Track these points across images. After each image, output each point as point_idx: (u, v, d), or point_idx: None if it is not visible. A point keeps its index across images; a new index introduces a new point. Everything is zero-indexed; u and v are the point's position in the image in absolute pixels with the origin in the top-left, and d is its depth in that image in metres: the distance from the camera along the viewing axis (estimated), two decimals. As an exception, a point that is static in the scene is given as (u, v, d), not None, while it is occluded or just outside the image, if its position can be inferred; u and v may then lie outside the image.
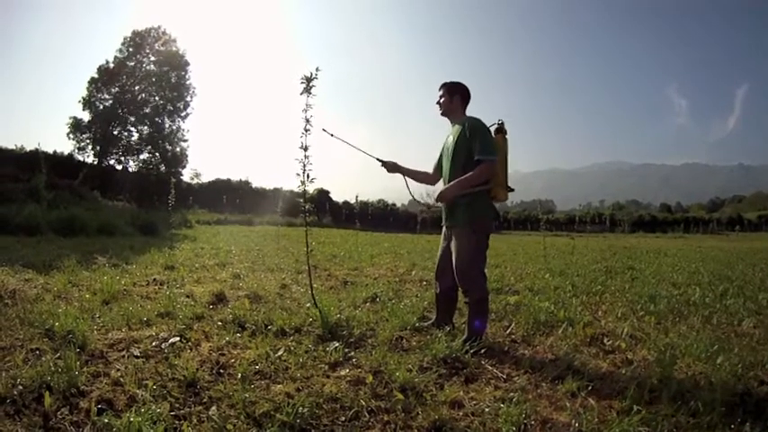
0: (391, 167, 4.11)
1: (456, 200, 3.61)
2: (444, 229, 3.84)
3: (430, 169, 4.09)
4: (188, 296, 4.82)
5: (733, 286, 6.48)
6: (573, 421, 2.32)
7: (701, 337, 3.70)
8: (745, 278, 7.54)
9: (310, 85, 3.71)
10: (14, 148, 27.66)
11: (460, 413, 2.44)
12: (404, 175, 4.14)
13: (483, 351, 3.34)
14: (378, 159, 4.12)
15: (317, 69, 3.75)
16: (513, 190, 3.78)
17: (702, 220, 51.08)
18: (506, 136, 3.73)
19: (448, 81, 3.83)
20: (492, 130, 3.65)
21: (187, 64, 37.07)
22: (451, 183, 3.61)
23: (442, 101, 3.82)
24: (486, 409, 2.45)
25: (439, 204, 3.81)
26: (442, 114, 3.87)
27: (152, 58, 36.01)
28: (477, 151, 3.48)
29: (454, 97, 3.78)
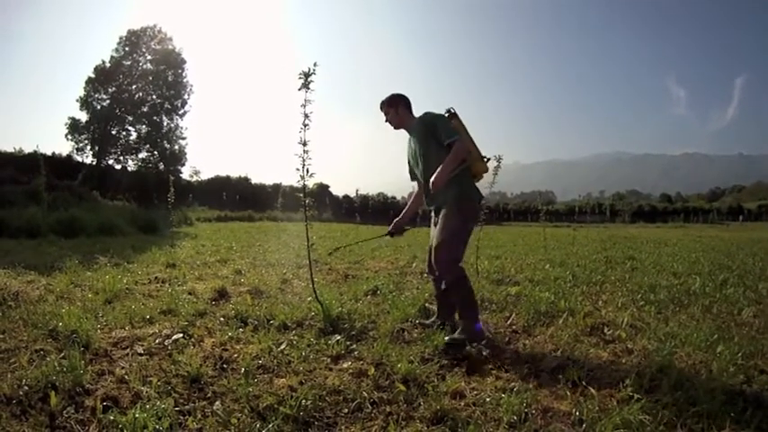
0: (397, 227, 4.14)
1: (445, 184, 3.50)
2: (434, 217, 3.80)
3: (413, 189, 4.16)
4: (190, 293, 4.83)
5: (733, 276, 6.49)
6: (573, 410, 2.34)
7: (701, 327, 3.71)
8: (745, 267, 7.54)
9: (308, 80, 3.71)
10: (13, 150, 27.72)
11: (462, 403, 2.46)
12: (409, 221, 4.20)
13: (484, 342, 3.37)
14: (384, 235, 4.27)
15: (314, 65, 3.75)
16: (489, 159, 3.81)
17: (702, 209, 51.10)
18: (460, 119, 3.71)
19: (384, 99, 3.86)
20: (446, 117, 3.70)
21: (184, 62, 37.05)
22: (439, 168, 3.44)
23: (389, 118, 3.85)
24: (488, 399, 2.47)
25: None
26: (396, 129, 3.90)
27: (148, 57, 35.96)
28: (444, 137, 3.49)
29: (399, 109, 3.82)
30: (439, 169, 3.45)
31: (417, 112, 3.83)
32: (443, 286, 3.54)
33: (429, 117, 3.63)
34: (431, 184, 3.46)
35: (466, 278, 3.48)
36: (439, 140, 3.52)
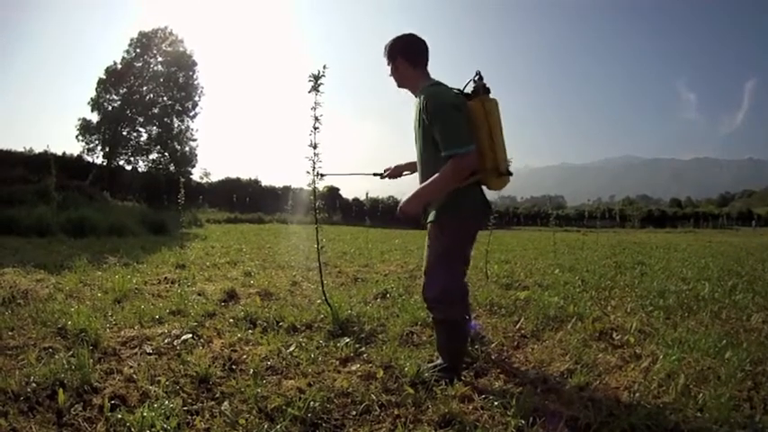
0: (394, 172, 3.29)
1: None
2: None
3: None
4: (199, 294, 4.85)
5: (742, 281, 6.43)
6: (581, 415, 2.33)
7: (709, 333, 3.67)
8: (755, 273, 7.47)
9: (318, 83, 3.72)
10: (23, 150, 28.01)
11: (470, 407, 2.45)
12: (412, 172, 3.19)
13: (492, 345, 3.36)
14: (375, 174, 3.47)
15: (324, 67, 3.74)
16: (511, 174, 2.68)
17: (712, 215, 50.78)
18: (490, 96, 2.60)
19: (385, 44, 2.82)
20: (468, 91, 2.66)
21: (195, 64, 37.33)
22: (414, 191, 2.59)
23: (390, 73, 2.84)
24: (496, 403, 2.45)
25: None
26: (399, 87, 2.88)
27: (159, 59, 36.26)
28: (442, 145, 2.49)
29: (397, 61, 2.77)
30: (415, 191, 2.59)
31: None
32: (430, 318, 2.87)
33: (432, 104, 2.53)
34: (399, 208, 2.61)
35: (461, 325, 2.76)
36: (436, 144, 2.55)
